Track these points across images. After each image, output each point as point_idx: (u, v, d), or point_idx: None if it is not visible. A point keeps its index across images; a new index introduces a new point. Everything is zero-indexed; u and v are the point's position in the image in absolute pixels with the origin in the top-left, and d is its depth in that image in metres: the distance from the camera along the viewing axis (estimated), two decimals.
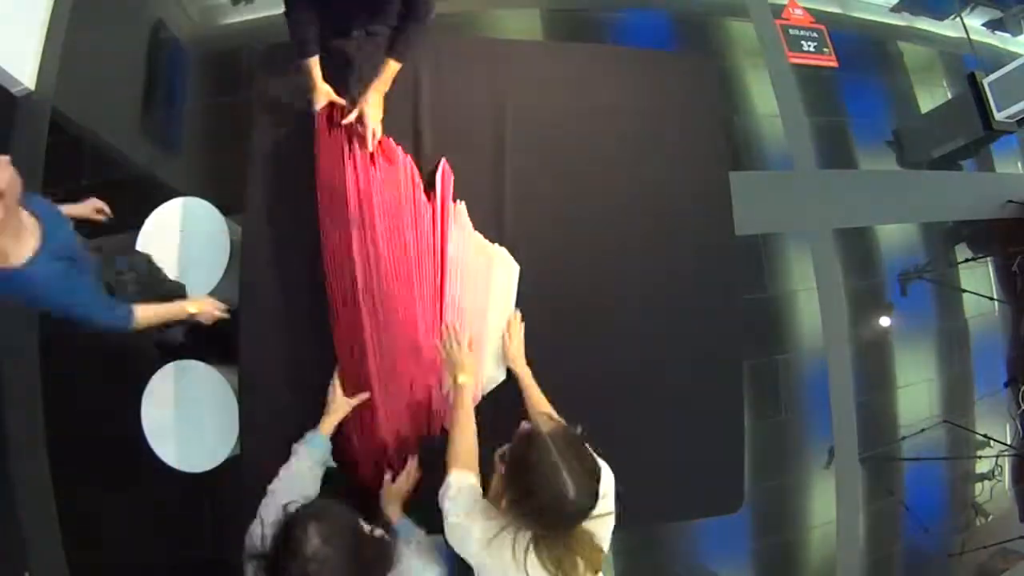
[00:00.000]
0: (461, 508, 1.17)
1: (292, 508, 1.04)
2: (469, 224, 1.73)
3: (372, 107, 1.64)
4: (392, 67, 1.64)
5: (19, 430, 2.42)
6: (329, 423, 1.48)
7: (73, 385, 2.47)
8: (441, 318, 1.63)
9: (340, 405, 1.51)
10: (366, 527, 1.07)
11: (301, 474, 1.36)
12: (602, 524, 1.12)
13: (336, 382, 1.56)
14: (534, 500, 1.02)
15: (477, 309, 1.67)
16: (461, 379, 1.44)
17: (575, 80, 1.90)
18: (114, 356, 2.51)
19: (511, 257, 1.73)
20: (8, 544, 2.36)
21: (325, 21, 1.63)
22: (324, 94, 1.68)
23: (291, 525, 0.97)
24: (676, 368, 1.77)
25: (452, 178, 1.74)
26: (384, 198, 1.62)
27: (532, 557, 1.06)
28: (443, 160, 1.75)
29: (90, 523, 2.38)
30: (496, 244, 1.74)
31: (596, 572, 1.10)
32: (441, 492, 1.23)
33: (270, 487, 1.31)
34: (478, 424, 1.37)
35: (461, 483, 1.22)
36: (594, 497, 1.02)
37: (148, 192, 2.42)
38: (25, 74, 2.63)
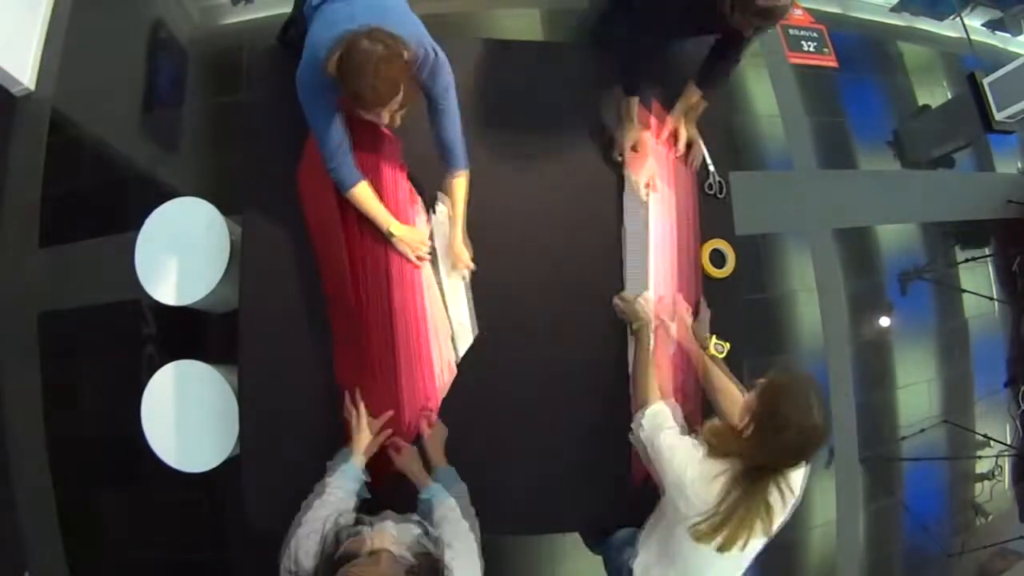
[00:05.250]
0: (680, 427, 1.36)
1: (335, 534, 1.00)
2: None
3: (684, 127, 1.84)
4: (697, 94, 1.79)
5: (19, 430, 2.42)
6: (360, 447, 1.44)
7: (73, 385, 2.47)
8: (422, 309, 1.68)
9: (366, 427, 1.48)
10: (415, 547, 1.01)
11: (335, 506, 1.26)
12: (801, 474, 1.28)
13: (358, 401, 1.53)
14: (782, 421, 1.14)
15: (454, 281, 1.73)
16: (636, 326, 1.65)
17: (572, 80, 1.91)
18: (114, 356, 2.51)
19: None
20: (8, 544, 2.36)
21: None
22: (638, 130, 1.81)
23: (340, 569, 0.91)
24: None
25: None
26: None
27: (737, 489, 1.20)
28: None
29: (90, 523, 2.38)
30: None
31: (769, 527, 1.24)
32: (645, 419, 1.42)
33: (302, 518, 1.21)
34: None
35: (667, 406, 1.44)
36: (829, 432, 1.18)
37: (148, 192, 2.43)
38: (25, 74, 2.63)
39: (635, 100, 1.76)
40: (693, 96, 1.80)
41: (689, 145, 1.86)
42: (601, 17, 1.92)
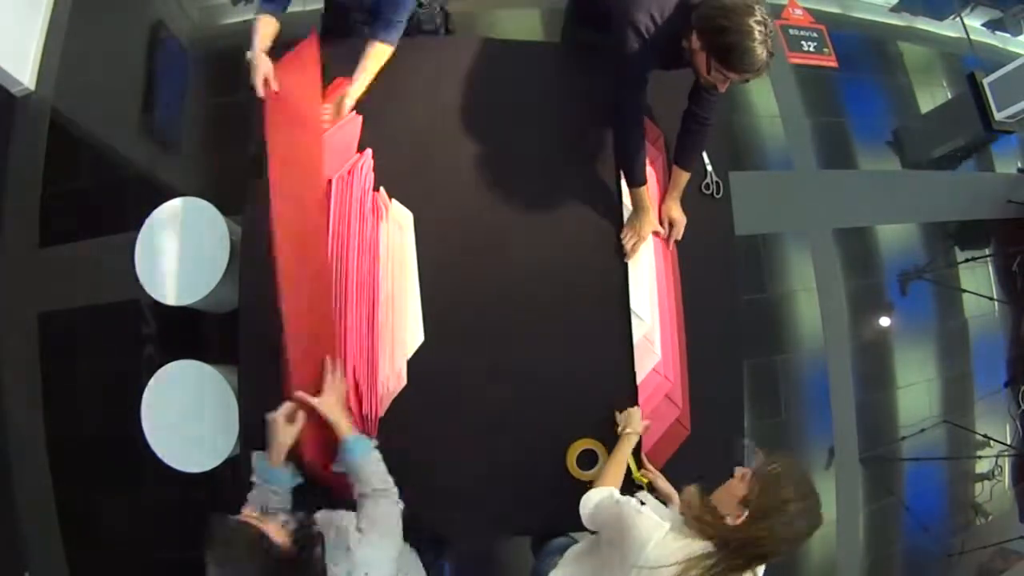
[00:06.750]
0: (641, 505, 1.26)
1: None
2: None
3: (678, 214, 1.81)
4: (684, 176, 1.77)
5: (19, 430, 2.42)
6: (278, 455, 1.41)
7: (73, 385, 2.47)
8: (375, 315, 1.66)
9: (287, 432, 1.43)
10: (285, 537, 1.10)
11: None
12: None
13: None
14: (789, 509, 1.17)
15: (402, 286, 1.70)
16: (629, 430, 1.58)
17: (571, 80, 1.91)
18: (114, 356, 2.51)
19: (405, 209, 1.75)
20: (8, 544, 2.36)
21: None
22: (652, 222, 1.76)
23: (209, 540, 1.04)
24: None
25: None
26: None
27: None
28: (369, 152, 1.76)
29: (90, 523, 2.38)
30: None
31: None
32: (598, 495, 1.35)
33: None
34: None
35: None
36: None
37: (148, 192, 2.42)
38: (25, 74, 2.63)
39: (643, 190, 1.71)
40: (681, 179, 1.78)
41: (672, 224, 1.82)
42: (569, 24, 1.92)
